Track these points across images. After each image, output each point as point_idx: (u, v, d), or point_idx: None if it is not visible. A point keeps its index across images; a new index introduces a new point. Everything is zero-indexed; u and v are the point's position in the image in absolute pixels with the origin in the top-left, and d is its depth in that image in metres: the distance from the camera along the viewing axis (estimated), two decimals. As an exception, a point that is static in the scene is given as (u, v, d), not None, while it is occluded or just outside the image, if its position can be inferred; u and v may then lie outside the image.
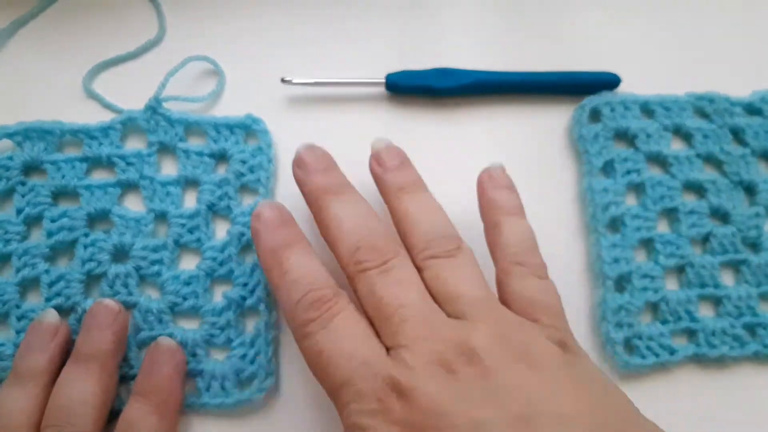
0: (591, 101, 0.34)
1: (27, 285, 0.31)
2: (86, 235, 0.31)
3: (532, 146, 0.35)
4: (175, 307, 0.30)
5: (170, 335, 0.30)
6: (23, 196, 0.31)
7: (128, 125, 0.33)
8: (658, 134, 0.34)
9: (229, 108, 0.34)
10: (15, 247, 0.31)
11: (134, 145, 0.33)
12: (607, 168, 0.34)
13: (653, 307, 0.32)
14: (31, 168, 0.32)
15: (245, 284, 0.31)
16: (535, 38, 0.37)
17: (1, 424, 0.26)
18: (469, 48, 0.36)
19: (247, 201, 0.32)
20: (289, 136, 0.33)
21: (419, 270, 0.26)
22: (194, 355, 0.30)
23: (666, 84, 0.35)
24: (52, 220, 0.31)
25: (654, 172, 0.34)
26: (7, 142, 0.32)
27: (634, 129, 0.34)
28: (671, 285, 0.32)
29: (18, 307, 0.30)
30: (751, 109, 0.35)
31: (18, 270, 0.30)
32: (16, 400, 0.27)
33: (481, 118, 0.35)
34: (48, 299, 0.30)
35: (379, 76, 0.34)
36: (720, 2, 0.38)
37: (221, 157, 0.33)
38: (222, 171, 0.33)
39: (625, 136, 0.34)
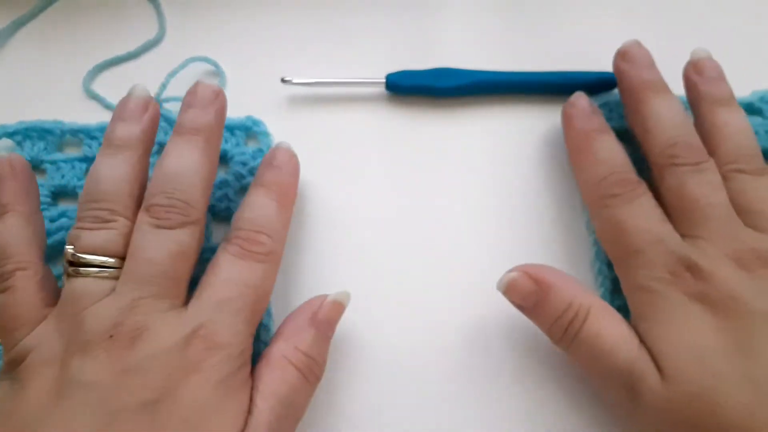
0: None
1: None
2: (85, 235, 0.31)
3: (532, 146, 0.34)
4: (175, 308, 0.30)
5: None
6: (23, 196, 0.31)
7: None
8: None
9: (229, 108, 0.34)
10: (15, 247, 0.31)
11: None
12: None
13: None
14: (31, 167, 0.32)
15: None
16: (535, 38, 0.37)
17: (101, 191, 0.25)
18: (469, 48, 0.36)
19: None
20: (289, 136, 0.33)
21: (723, 179, 0.28)
22: None
23: (667, 82, 0.35)
24: (52, 220, 0.31)
25: None
26: (7, 142, 0.32)
27: None
28: None
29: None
30: (751, 108, 0.35)
31: (17, 270, 0.30)
32: (113, 168, 0.26)
33: (481, 118, 0.35)
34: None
35: (379, 76, 0.34)
36: (720, 2, 0.38)
37: (221, 158, 0.33)
38: (221, 172, 0.33)
39: (624, 137, 0.34)
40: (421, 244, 0.32)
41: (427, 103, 0.35)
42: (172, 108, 0.33)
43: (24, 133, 0.32)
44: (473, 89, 0.34)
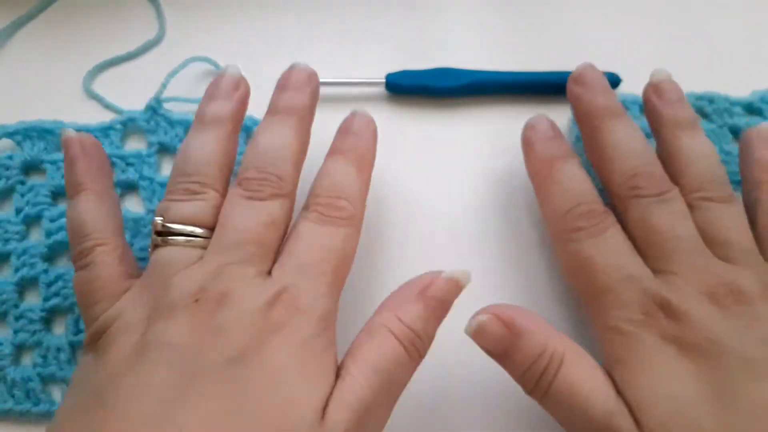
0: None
1: (25, 284, 0.31)
2: (86, 235, 0.31)
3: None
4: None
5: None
6: (22, 195, 0.31)
7: (128, 125, 0.33)
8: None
9: None
10: (14, 247, 0.31)
11: (134, 145, 0.33)
12: None
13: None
14: (30, 167, 0.32)
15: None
16: (535, 38, 0.37)
17: (191, 165, 0.26)
18: (469, 48, 0.36)
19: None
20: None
21: (689, 208, 0.26)
22: None
23: None
24: (52, 220, 0.31)
25: None
26: (7, 142, 0.32)
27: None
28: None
29: (16, 306, 0.30)
30: (751, 108, 0.35)
31: (17, 269, 0.30)
32: (204, 143, 0.26)
33: (482, 118, 0.35)
34: (46, 299, 0.30)
35: (379, 76, 0.34)
36: (720, 2, 0.38)
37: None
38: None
39: None
40: (421, 244, 0.32)
41: (427, 103, 0.35)
42: (172, 108, 0.33)
43: (24, 133, 0.32)
44: (473, 89, 0.34)
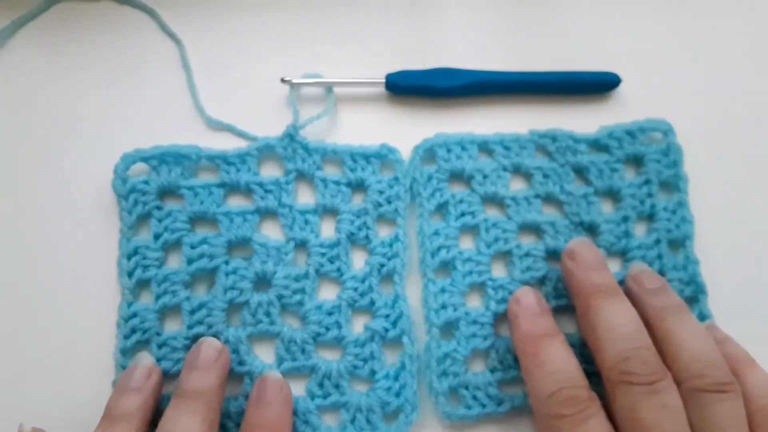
0: (426, 142, 0.33)
1: (166, 312, 0.30)
2: (227, 262, 0.31)
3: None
4: (318, 337, 0.30)
5: (313, 366, 0.30)
6: (160, 221, 0.31)
7: (264, 152, 0.33)
8: (495, 174, 0.33)
9: (229, 109, 0.34)
10: (154, 273, 0.30)
11: (266, 172, 0.33)
12: (442, 210, 0.33)
13: (482, 355, 0.31)
14: (167, 192, 0.32)
15: (387, 315, 0.31)
16: (535, 38, 0.37)
17: None
18: (469, 48, 0.36)
19: (384, 231, 0.32)
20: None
21: (682, 398, 0.26)
22: (338, 386, 0.29)
23: (665, 84, 0.36)
24: (192, 247, 0.31)
25: (491, 214, 0.33)
26: (142, 166, 0.32)
27: (470, 170, 0.32)
28: (505, 331, 0.31)
29: (158, 334, 0.30)
30: (598, 145, 0.34)
31: (158, 297, 0.30)
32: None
33: (481, 118, 0.35)
34: (190, 327, 0.30)
35: (379, 76, 0.34)
36: (719, 3, 0.38)
37: (357, 186, 0.33)
38: (356, 200, 0.33)
39: (461, 177, 0.33)
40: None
41: (427, 103, 0.35)
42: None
43: (160, 158, 0.32)
44: (473, 89, 0.34)
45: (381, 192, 0.32)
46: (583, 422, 0.25)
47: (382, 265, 0.31)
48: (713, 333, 0.29)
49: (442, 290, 0.31)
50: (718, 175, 0.34)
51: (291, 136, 0.32)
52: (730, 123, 0.35)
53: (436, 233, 0.31)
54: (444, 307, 0.30)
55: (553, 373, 0.26)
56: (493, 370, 0.30)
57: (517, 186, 0.33)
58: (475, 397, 0.30)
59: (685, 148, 0.34)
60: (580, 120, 0.34)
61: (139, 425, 0.26)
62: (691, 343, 0.26)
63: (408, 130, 0.34)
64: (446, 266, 0.31)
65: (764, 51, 0.37)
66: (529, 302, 0.29)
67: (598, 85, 0.35)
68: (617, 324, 0.27)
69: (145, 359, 0.28)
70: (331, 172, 0.33)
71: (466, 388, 0.30)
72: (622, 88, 0.35)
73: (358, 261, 0.32)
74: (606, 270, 0.29)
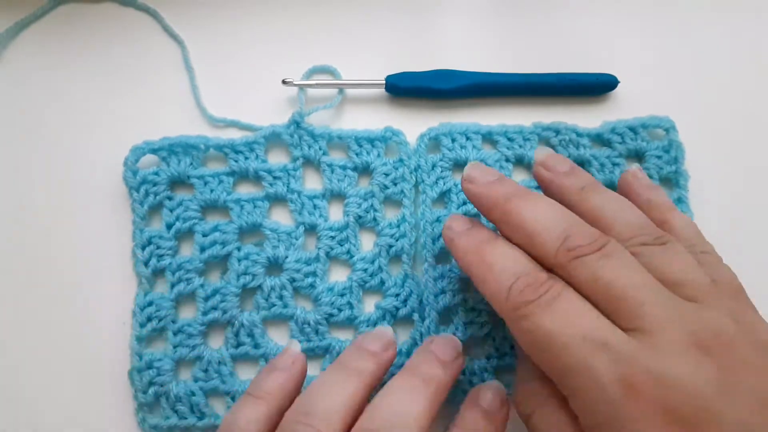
0: (431, 131, 0.33)
1: (181, 300, 0.31)
2: (239, 248, 0.31)
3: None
4: (331, 318, 0.31)
5: (328, 346, 0.30)
6: (171, 210, 0.32)
7: (271, 140, 0.33)
8: (498, 165, 0.33)
9: (229, 109, 0.34)
10: (168, 262, 0.31)
11: (274, 159, 0.33)
12: (444, 198, 0.33)
13: (480, 342, 0.31)
14: (177, 182, 0.32)
15: (397, 294, 0.31)
16: (535, 40, 0.37)
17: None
18: (468, 50, 0.36)
19: (391, 213, 0.33)
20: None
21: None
22: None
23: (665, 84, 0.36)
24: (204, 235, 0.31)
25: None
26: (152, 158, 0.33)
27: (473, 159, 0.33)
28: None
29: (174, 321, 0.30)
30: (600, 140, 0.34)
31: (173, 285, 0.31)
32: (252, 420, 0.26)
33: (481, 120, 0.35)
34: (205, 313, 0.30)
35: (379, 77, 0.34)
36: (719, 4, 0.38)
37: (363, 170, 0.33)
38: (363, 184, 0.33)
39: (464, 167, 0.31)
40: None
41: (427, 104, 0.35)
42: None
43: (169, 149, 0.32)
44: (473, 91, 0.35)
45: (386, 174, 0.33)
46: (553, 301, 0.23)
47: (391, 246, 0.32)
48: (642, 181, 0.30)
49: (441, 276, 0.31)
50: (718, 174, 0.35)
51: (297, 122, 0.33)
52: (730, 123, 0.36)
53: (438, 220, 0.32)
54: (443, 292, 0.31)
55: (505, 269, 0.25)
56: (489, 357, 0.31)
57: (519, 177, 0.34)
58: (471, 383, 0.30)
59: (685, 146, 0.34)
60: (579, 121, 0.34)
61: (280, 405, 0.26)
62: (620, 213, 0.26)
63: (407, 131, 0.34)
64: (447, 253, 0.32)
65: (764, 51, 0.37)
66: (458, 223, 0.27)
67: (596, 87, 0.35)
68: (543, 214, 0.25)
69: (294, 345, 0.29)
70: (337, 157, 0.33)
71: (463, 373, 0.30)
72: (619, 89, 0.36)
73: (367, 243, 0.32)
74: (507, 179, 0.28)
